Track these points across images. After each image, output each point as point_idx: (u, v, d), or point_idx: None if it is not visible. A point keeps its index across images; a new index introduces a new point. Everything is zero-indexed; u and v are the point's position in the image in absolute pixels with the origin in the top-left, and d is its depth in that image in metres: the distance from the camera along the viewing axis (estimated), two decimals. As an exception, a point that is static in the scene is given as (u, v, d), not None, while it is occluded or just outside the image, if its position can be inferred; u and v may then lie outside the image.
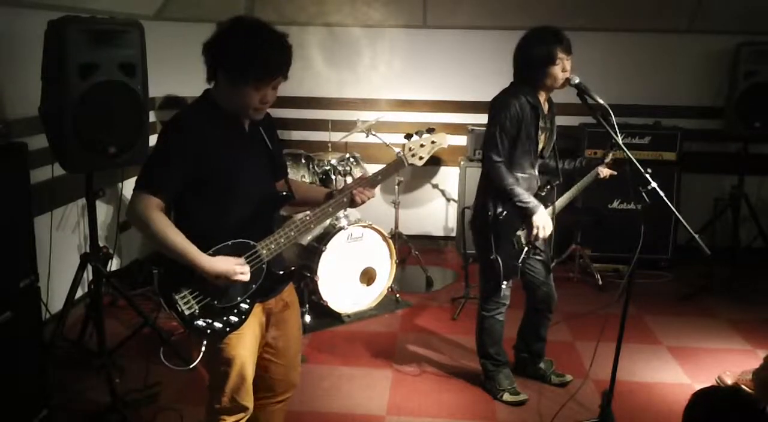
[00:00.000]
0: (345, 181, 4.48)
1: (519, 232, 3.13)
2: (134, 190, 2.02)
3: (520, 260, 3.15)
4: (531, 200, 3.04)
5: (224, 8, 5.18)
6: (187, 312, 2.05)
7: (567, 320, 4.26)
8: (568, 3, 5.06)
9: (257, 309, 2.19)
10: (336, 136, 4.84)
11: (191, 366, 2.15)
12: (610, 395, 2.80)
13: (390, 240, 4.36)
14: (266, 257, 2.13)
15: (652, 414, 3.21)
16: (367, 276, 4.28)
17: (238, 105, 2.06)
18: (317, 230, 4.07)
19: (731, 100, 4.94)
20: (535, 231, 3.05)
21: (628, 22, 5.23)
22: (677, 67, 5.40)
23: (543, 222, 3.04)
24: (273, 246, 2.13)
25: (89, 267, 3.35)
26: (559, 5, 5.01)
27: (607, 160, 3.37)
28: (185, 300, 2.05)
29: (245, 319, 2.13)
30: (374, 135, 4.64)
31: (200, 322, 2.07)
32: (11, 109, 3.36)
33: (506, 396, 3.28)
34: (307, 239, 4.11)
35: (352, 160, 4.58)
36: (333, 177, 4.49)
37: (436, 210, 5.78)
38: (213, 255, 2.03)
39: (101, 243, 3.51)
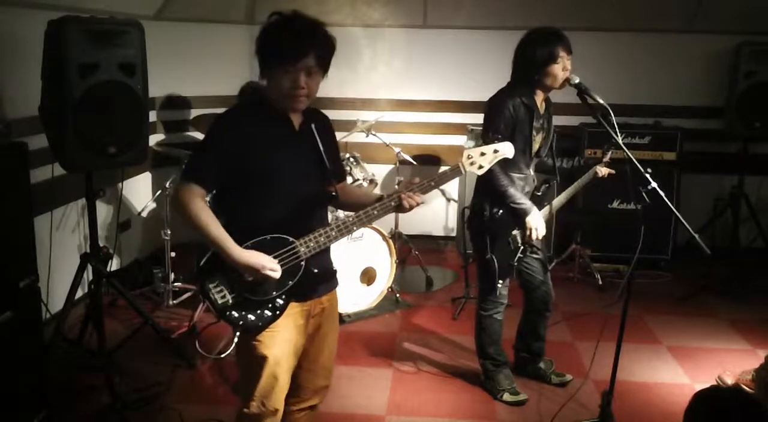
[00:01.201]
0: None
1: (515, 232, 3.13)
2: (180, 177, 2.10)
3: (515, 259, 3.15)
4: (524, 201, 3.04)
5: (224, 8, 5.19)
6: (220, 302, 2.06)
7: (567, 320, 4.26)
8: (568, 3, 5.06)
9: (295, 310, 2.16)
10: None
11: (223, 355, 2.15)
12: (610, 395, 2.81)
13: (390, 240, 4.35)
14: (304, 254, 2.10)
15: (652, 414, 3.21)
16: (367, 276, 4.28)
17: (275, 93, 2.07)
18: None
19: (731, 100, 4.94)
20: (528, 232, 3.05)
21: (628, 22, 5.24)
22: (677, 67, 5.40)
23: (536, 223, 3.04)
24: (312, 244, 2.11)
25: (89, 267, 3.35)
26: (559, 5, 5.01)
27: (606, 158, 3.37)
28: (219, 289, 2.06)
29: (279, 315, 2.11)
30: (374, 135, 4.64)
31: (233, 313, 2.07)
32: (11, 109, 3.36)
33: (506, 396, 3.29)
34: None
35: (352, 160, 4.57)
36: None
37: (436, 210, 5.77)
38: (249, 248, 2.04)
39: (101, 243, 3.51)
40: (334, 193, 2.22)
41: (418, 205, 2.14)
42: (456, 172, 2.19)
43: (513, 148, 2.24)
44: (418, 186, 2.15)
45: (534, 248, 3.24)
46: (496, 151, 2.21)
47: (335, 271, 2.32)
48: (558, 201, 3.26)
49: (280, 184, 2.10)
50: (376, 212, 2.13)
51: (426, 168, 5.28)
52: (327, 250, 2.20)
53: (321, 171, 2.20)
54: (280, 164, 2.09)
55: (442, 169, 5.58)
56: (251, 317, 2.08)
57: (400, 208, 2.14)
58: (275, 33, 2.02)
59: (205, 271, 2.07)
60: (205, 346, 3.62)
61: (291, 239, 2.10)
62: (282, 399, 2.23)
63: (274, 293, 2.10)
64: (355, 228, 2.15)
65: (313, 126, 2.17)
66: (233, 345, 2.14)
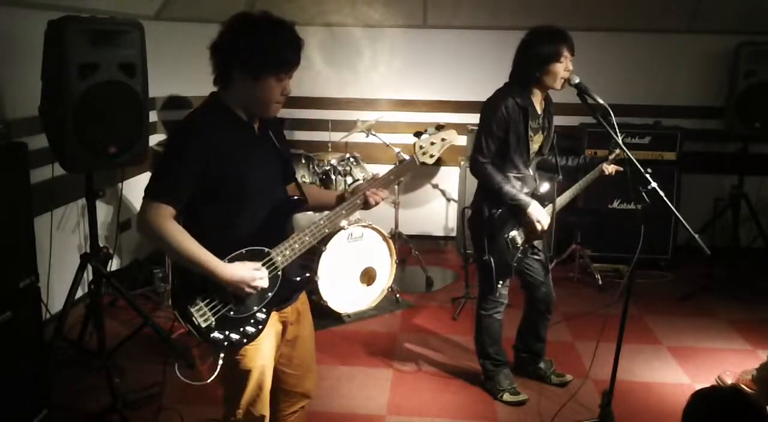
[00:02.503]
0: (345, 180, 4.48)
1: (513, 233, 3.13)
2: (144, 198, 1.93)
3: (514, 260, 3.15)
4: (522, 196, 3.04)
5: (224, 8, 5.17)
6: (203, 325, 2.00)
7: (567, 320, 4.26)
8: (568, 3, 5.06)
9: (273, 318, 2.14)
10: (336, 136, 4.84)
11: (209, 380, 2.11)
12: (610, 395, 2.81)
13: (390, 240, 4.35)
14: (281, 264, 2.07)
15: (652, 414, 3.21)
16: (367, 276, 4.28)
17: (260, 100, 2.00)
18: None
19: (731, 100, 4.94)
20: (533, 225, 3.05)
21: (628, 22, 5.24)
22: (677, 67, 5.40)
23: (539, 215, 3.05)
24: (288, 253, 2.07)
25: (89, 267, 3.35)
26: (558, 5, 5.01)
27: (612, 157, 3.38)
28: (201, 312, 1.99)
29: (262, 329, 2.08)
30: (374, 135, 4.64)
31: (217, 334, 2.02)
32: (11, 109, 3.36)
33: (506, 396, 3.29)
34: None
35: (352, 160, 4.58)
36: (333, 177, 4.49)
37: (436, 210, 5.78)
38: (229, 263, 1.98)
39: (101, 243, 3.51)
40: (298, 197, 2.18)
41: (383, 200, 2.21)
42: (411, 163, 2.28)
43: (457, 135, 2.34)
44: (380, 181, 2.21)
45: (535, 249, 3.25)
46: (443, 139, 2.29)
47: (309, 275, 2.27)
48: (563, 198, 3.26)
49: (250, 191, 2.03)
50: (344, 212, 2.17)
51: (425, 168, 5.27)
52: (300, 256, 2.15)
53: (285, 173, 2.20)
54: (248, 170, 2.02)
55: (443, 169, 5.63)
56: (235, 336, 2.04)
57: (366, 206, 2.18)
58: (270, 39, 1.94)
59: (184, 296, 2.00)
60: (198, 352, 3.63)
61: (267, 250, 2.05)
62: (267, 404, 2.22)
63: (255, 308, 2.06)
64: (326, 230, 2.15)
65: (268, 128, 2.15)
66: (217, 370, 2.08)
